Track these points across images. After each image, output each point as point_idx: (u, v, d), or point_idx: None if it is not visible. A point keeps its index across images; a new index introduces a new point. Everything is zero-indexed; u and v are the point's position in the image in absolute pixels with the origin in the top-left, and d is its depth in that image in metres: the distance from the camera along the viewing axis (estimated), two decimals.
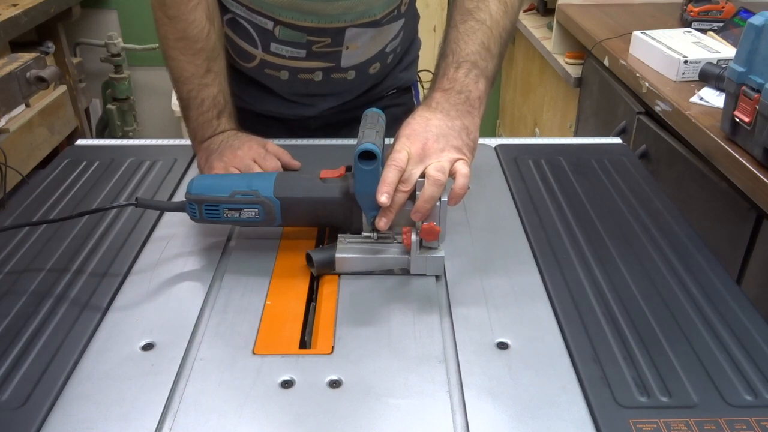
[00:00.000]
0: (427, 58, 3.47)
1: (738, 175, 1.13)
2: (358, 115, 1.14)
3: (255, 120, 1.02)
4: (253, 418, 0.56)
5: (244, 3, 0.98)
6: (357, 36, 1.02)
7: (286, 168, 0.94)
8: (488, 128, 3.15)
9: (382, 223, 0.72)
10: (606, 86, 1.77)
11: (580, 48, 1.98)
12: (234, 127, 0.96)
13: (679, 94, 1.40)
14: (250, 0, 0.97)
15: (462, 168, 0.74)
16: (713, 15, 1.75)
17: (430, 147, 0.75)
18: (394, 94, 1.20)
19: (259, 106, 1.11)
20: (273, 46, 1.02)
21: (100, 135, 2.78)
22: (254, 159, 0.91)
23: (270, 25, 0.99)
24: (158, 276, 0.75)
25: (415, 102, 1.25)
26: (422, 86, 1.30)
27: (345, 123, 1.16)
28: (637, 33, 1.63)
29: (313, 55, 1.03)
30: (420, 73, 1.28)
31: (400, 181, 0.72)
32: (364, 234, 0.76)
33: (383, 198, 0.70)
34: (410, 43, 1.18)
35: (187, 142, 1.00)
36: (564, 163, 1.00)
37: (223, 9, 1.00)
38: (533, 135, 2.54)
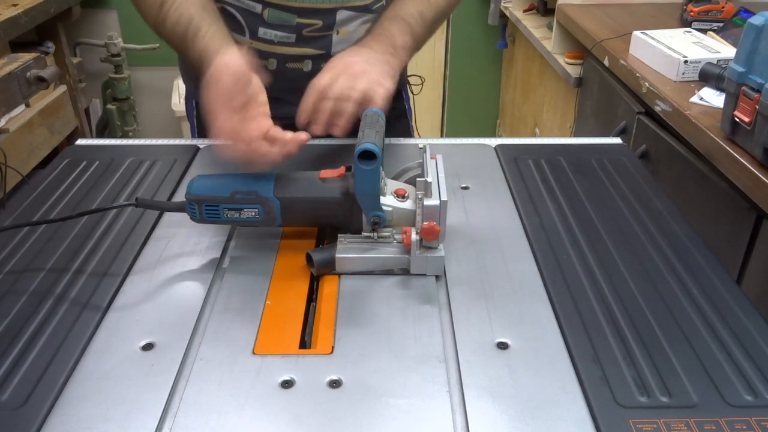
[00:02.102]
0: (426, 58, 3.46)
1: (738, 175, 1.13)
2: None
3: None
4: (253, 418, 0.56)
5: None
6: (348, 20, 1.02)
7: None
8: (488, 128, 3.16)
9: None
10: (606, 86, 1.77)
11: (580, 48, 1.98)
12: (216, 34, 0.86)
13: (679, 94, 1.40)
14: None
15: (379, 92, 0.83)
16: (713, 15, 1.75)
17: (354, 66, 0.84)
18: None
19: None
20: (261, 31, 1.01)
21: (100, 135, 2.78)
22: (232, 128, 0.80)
23: (258, 8, 0.99)
24: (158, 276, 0.75)
25: (405, 105, 1.25)
26: (411, 91, 1.31)
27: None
28: (637, 33, 1.63)
29: (303, 40, 1.02)
30: (409, 78, 1.29)
31: (323, 96, 0.81)
32: (364, 234, 0.76)
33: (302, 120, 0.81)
34: None
35: (187, 142, 1.00)
36: (564, 163, 1.00)
37: None
38: (533, 135, 2.54)
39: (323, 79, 0.83)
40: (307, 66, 1.06)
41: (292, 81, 1.07)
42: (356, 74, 0.83)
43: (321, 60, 1.05)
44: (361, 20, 1.04)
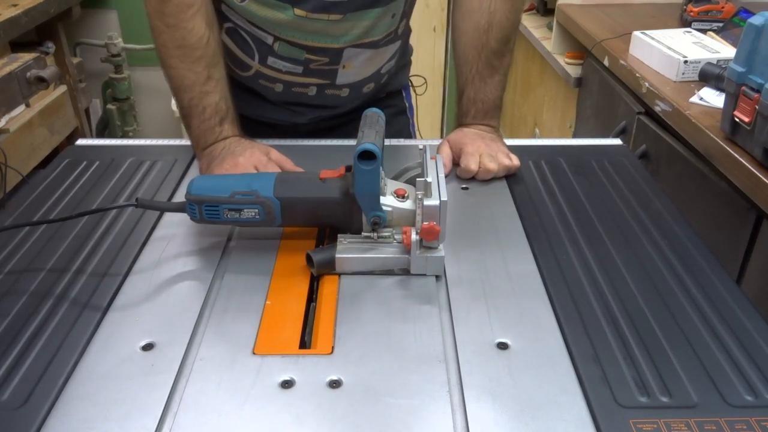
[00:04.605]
0: (426, 58, 3.47)
1: (738, 175, 1.13)
2: (348, 121, 1.15)
3: (244, 124, 1.02)
4: (253, 418, 0.56)
5: (245, 17, 0.98)
6: (355, 56, 1.03)
7: None
8: None
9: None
10: (606, 86, 1.77)
11: (580, 48, 1.98)
12: (237, 133, 0.96)
13: (679, 94, 1.40)
14: (252, 17, 0.97)
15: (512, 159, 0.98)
16: (713, 15, 1.75)
17: (489, 146, 0.99)
18: (385, 97, 1.20)
19: (250, 111, 1.11)
20: (270, 60, 1.02)
21: (100, 135, 2.78)
22: (255, 166, 0.91)
23: (270, 40, 1.00)
24: (158, 276, 0.75)
25: (406, 104, 1.26)
26: (414, 91, 1.31)
27: (335, 127, 1.16)
28: (637, 33, 1.63)
29: (310, 71, 1.03)
30: (412, 78, 1.29)
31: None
32: (364, 234, 0.76)
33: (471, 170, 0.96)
34: (403, 53, 1.19)
35: (187, 142, 1.00)
36: (564, 164, 1.00)
37: (224, 18, 1.00)
38: (533, 135, 2.54)
39: (472, 165, 0.96)
40: (312, 91, 1.07)
41: (298, 98, 1.08)
42: (493, 151, 0.98)
43: (325, 88, 1.06)
44: (367, 55, 1.05)
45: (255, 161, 0.91)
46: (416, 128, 1.33)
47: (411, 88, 1.30)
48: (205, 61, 0.92)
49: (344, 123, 1.16)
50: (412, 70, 1.29)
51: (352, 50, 1.02)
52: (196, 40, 0.91)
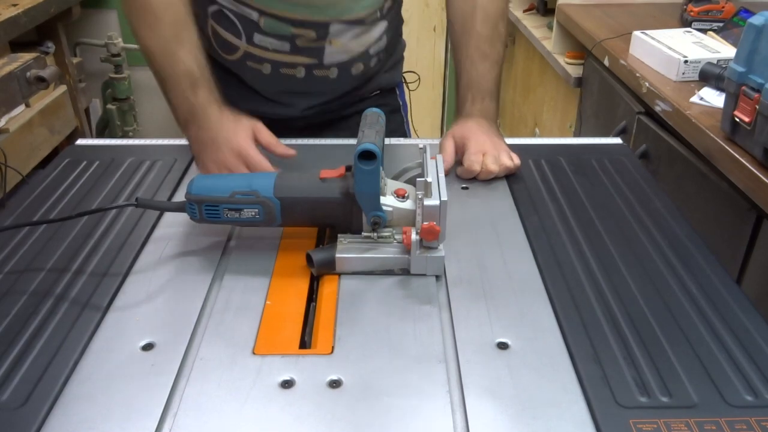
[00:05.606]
0: (426, 58, 3.46)
1: (738, 175, 1.13)
2: (341, 116, 1.15)
3: None
4: (253, 418, 0.56)
5: None
6: (341, 32, 1.04)
7: (281, 157, 0.93)
8: None
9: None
10: (606, 86, 1.77)
11: (580, 48, 1.98)
12: (214, 99, 0.93)
13: (679, 94, 1.40)
14: None
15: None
16: (713, 15, 1.75)
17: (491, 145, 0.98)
18: (378, 95, 1.21)
19: (241, 105, 1.10)
20: (257, 38, 1.03)
21: (100, 135, 2.78)
22: (240, 154, 0.89)
23: (255, 16, 1.00)
24: (158, 276, 0.75)
25: (400, 102, 1.26)
26: (407, 87, 1.31)
27: (328, 123, 1.16)
28: (637, 33, 1.63)
29: (297, 49, 1.04)
30: (405, 74, 1.29)
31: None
32: (364, 234, 0.76)
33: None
34: (394, 46, 1.19)
35: (187, 142, 1.00)
36: (564, 163, 1.00)
37: (209, 1, 1.00)
38: (533, 135, 2.54)
39: (474, 166, 0.95)
40: (300, 73, 1.07)
41: (285, 84, 1.08)
42: (496, 151, 0.97)
43: (314, 68, 1.06)
44: (354, 33, 1.05)
45: (240, 150, 0.89)
46: (411, 125, 1.33)
47: (405, 85, 1.30)
48: (170, 25, 0.91)
49: (337, 118, 1.16)
50: (412, 69, 1.30)
51: (338, 26, 1.03)
52: (159, 2, 0.91)
